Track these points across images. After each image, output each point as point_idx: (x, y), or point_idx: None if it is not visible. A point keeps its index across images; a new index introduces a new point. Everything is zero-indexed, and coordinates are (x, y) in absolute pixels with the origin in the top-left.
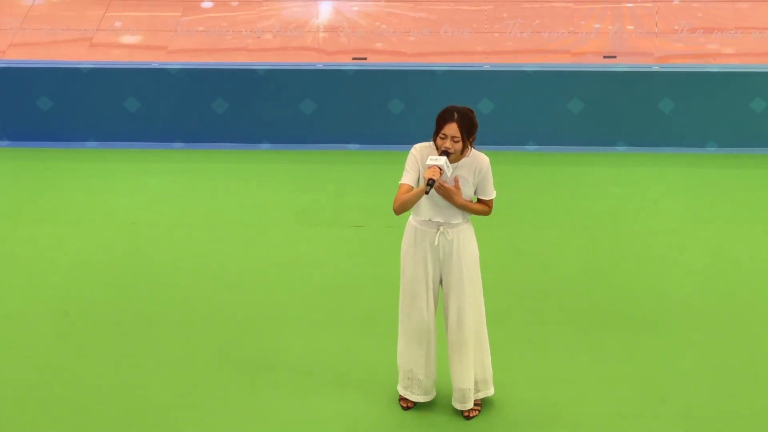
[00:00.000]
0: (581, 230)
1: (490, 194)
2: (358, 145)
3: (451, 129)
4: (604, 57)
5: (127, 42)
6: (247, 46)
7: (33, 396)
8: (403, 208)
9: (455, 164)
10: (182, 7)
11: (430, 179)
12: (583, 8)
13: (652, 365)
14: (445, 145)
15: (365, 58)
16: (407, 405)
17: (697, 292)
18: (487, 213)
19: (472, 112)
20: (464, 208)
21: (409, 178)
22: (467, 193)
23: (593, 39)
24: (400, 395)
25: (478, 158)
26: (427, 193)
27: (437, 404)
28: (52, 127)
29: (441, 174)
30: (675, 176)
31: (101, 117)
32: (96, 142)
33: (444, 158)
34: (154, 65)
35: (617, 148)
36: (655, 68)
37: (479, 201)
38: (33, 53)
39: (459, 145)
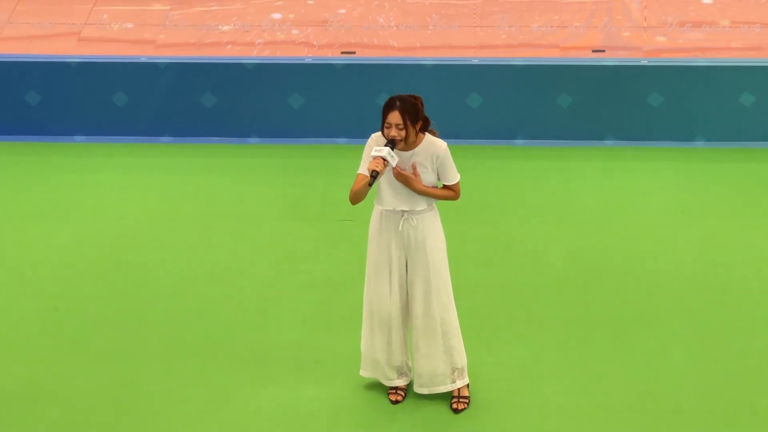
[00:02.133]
0: (570, 224)
1: (453, 178)
2: (346, 140)
3: (395, 117)
4: (593, 51)
5: (115, 36)
6: (236, 40)
7: (21, 390)
8: (355, 198)
9: (411, 151)
10: (170, 1)
11: (373, 171)
12: (572, 2)
13: (641, 360)
14: (390, 134)
15: (354, 52)
16: (396, 399)
17: (686, 286)
18: (454, 198)
19: (416, 98)
20: (426, 193)
21: (364, 167)
22: (427, 179)
23: (582, 33)
24: (389, 389)
25: (435, 144)
26: (370, 185)
27: (425, 398)
28: (40, 121)
29: (385, 164)
30: (664, 170)
31: (89, 111)
32: (84, 137)
33: (387, 148)
34: (143, 59)
35: (606, 142)
36: (644, 62)
37: (444, 187)
38: (21, 47)
39: (403, 133)
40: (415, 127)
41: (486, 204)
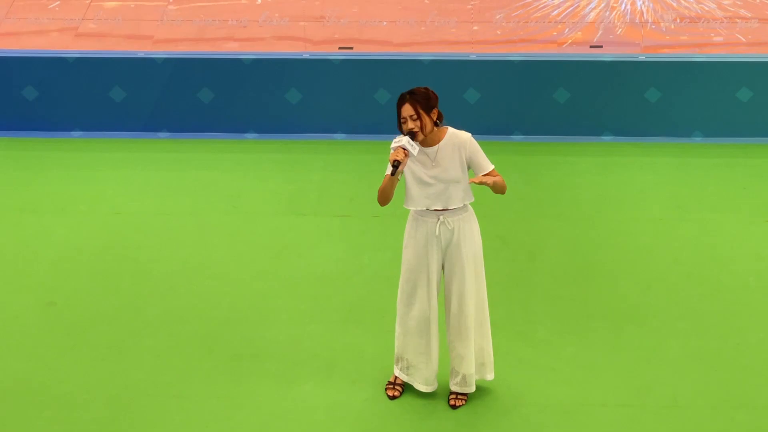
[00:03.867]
0: (567, 220)
1: (488, 166)
2: (344, 135)
3: (407, 110)
4: (591, 47)
5: (112, 31)
6: (233, 36)
7: (17, 386)
8: (383, 196)
9: (436, 146)
10: None
11: (395, 161)
12: None
13: (637, 354)
14: (408, 128)
15: (352, 48)
16: (393, 394)
17: (683, 281)
18: (503, 184)
19: (426, 89)
20: (495, 185)
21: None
22: (456, 173)
23: (579, 29)
24: (387, 384)
25: (458, 135)
26: (392, 174)
27: (423, 393)
28: (37, 116)
29: (407, 154)
30: (661, 166)
31: (87, 106)
32: (81, 132)
33: (406, 138)
34: (140, 55)
35: (603, 137)
36: (642, 58)
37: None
38: (18, 43)
39: (419, 123)
40: (430, 117)
41: (482, 199)
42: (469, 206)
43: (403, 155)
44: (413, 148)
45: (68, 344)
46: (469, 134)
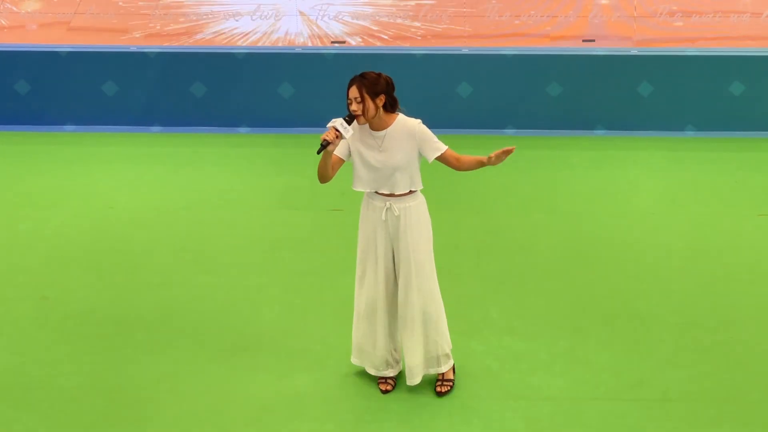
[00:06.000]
0: (560, 214)
1: (441, 146)
2: None
3: (353, 92)
4: (583, 41)
5: (104, 25)
6: (225, 30)
7: (10, 380)
8: (319, 173)
9: (384, 131)
10: None
11: (323, 140)
12: None
13: (630, 348)
14: (351, 109)
15: (344, 42)
16: (386, 389)
17: (675, 274)
18: (456, 166)
19: (380, 75)
20: (470, 163)
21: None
22: (403, 160)
23: (572, 23)
24: (379, 379)
25: (407, 122)
26: (318, 152)
27: (415, 387)
28: (29, 110)
29: (338, 135)
30: (653, 159)
31: (79, 100)
32: (74, 126)
33: (340, 119)
34: (133, 49)
35: (596, 131)
36: (634, 52)
37: (440, 158)
38: (11, 37)
39: (362, 106)
40: (374, 102)
41: (475, 193)
42: (420, 195)
43: (333, 136)
44: (345, 130)
45: (61, 338)
46: (419, 120)
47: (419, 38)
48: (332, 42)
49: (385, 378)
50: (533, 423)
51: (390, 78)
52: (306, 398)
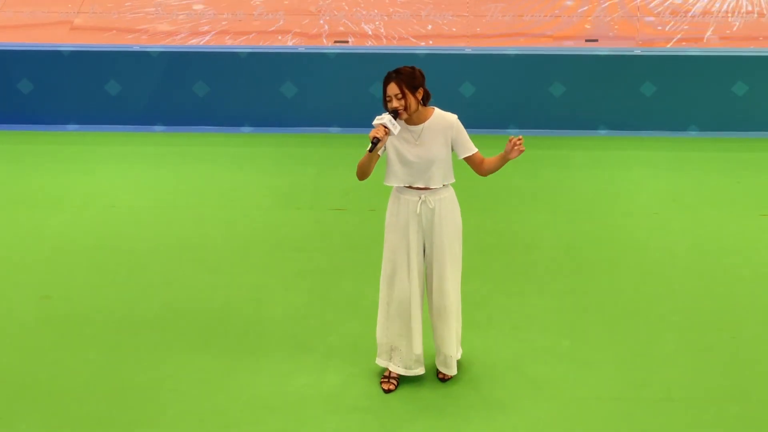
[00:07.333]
0: (563, 213)
1: (472, 149)
2: (339, 128)
3: (392, 88)
4: (586, 41)
5: (107, 25)
6: (229, 29)
7: (13, 379)
8: (361, 171)
9: (421, 125)
10: None
11: (374, 137)
12: None
13: (632, 348)
14: (392, 106)
15: (347, 41)
16: (389, 388)
17: (678, 274)
18: (479, 170)
19: (413, 68)
20: (490, 165)
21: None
22: (439, 153)
23: (575, 23)
24: (382, 378)
25: (445, 116)
26: (370, 151)
27: (418, 385)
28: (32, 109)
29: (387, 132)
30: (656, 160)
31: (82, 100)
32: (77, 125)
33: (388, 116)
34: (135, 48)
35: (599, 131)
36: (637, 52)
37: (466, 159)
38: (14, 36)
39: (404, 102)
40: (415, 96)
41: (479, 193)
42: (451, 188)
43: (383, 133)
44: (394, 126)
45: (63, 338)
46: (456, 116)
47: (422, 38)
48: (335, 41)
49: (389, 377)
50: (535, 422)
51: (422, 70)
52: (309, 398)
